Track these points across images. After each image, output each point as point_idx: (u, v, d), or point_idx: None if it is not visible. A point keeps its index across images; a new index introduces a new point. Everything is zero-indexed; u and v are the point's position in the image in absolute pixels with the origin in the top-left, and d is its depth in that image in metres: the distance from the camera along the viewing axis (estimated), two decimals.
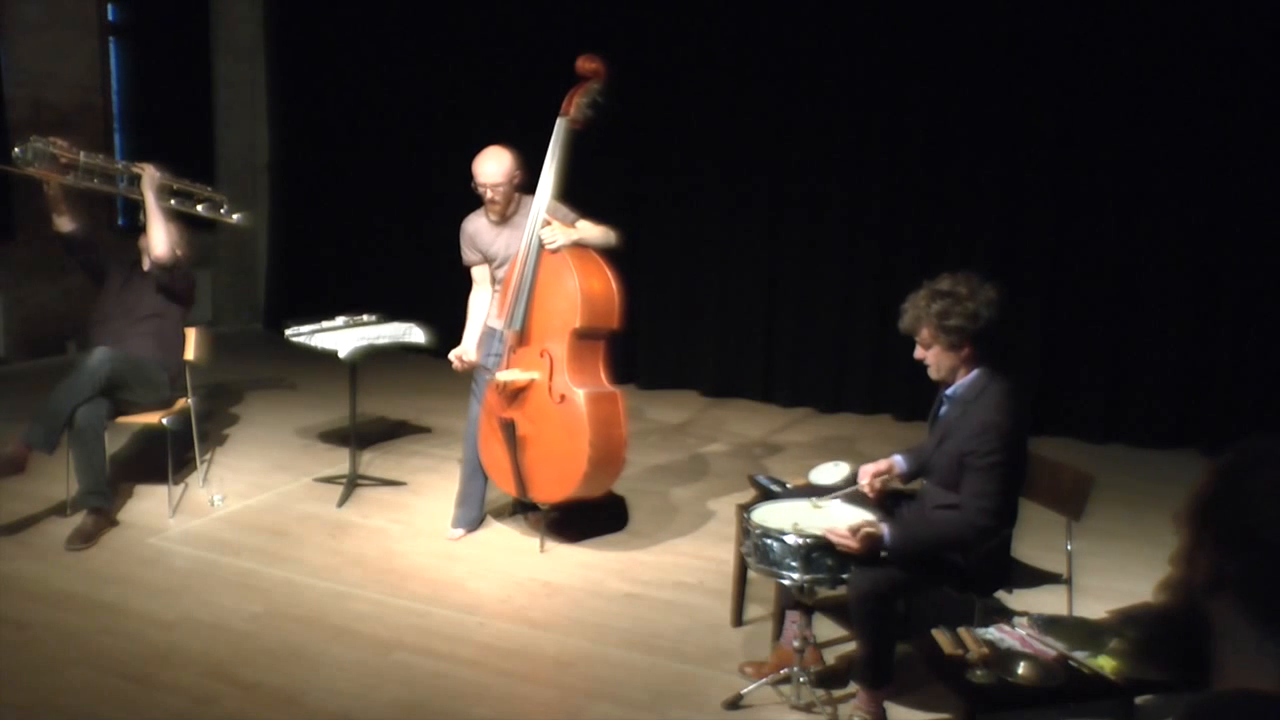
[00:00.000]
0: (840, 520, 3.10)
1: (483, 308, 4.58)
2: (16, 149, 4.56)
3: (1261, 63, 5.70)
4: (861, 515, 3.15)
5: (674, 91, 7.09)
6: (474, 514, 4.64)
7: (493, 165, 4.38)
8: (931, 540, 3.04)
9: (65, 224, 4.72)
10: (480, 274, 4.60)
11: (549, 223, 4.31)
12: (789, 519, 3.12)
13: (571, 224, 4.39)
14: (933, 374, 3.15)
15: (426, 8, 8.00)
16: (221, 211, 5.06)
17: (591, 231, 4.38)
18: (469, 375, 4.65)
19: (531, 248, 4.35)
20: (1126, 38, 5.99)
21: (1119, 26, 6.00)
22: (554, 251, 4.30)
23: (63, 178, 4.64)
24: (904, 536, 2.97)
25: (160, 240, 4.65)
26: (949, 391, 3.15)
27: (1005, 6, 6.21)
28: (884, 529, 2.95)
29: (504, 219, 4.48)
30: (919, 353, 3.14)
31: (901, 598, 3.34)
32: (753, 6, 6.83)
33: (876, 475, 3.32)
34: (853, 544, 2.91)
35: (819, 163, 6.82)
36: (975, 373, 3.09)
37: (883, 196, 6.68)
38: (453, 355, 4.55)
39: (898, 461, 3.38)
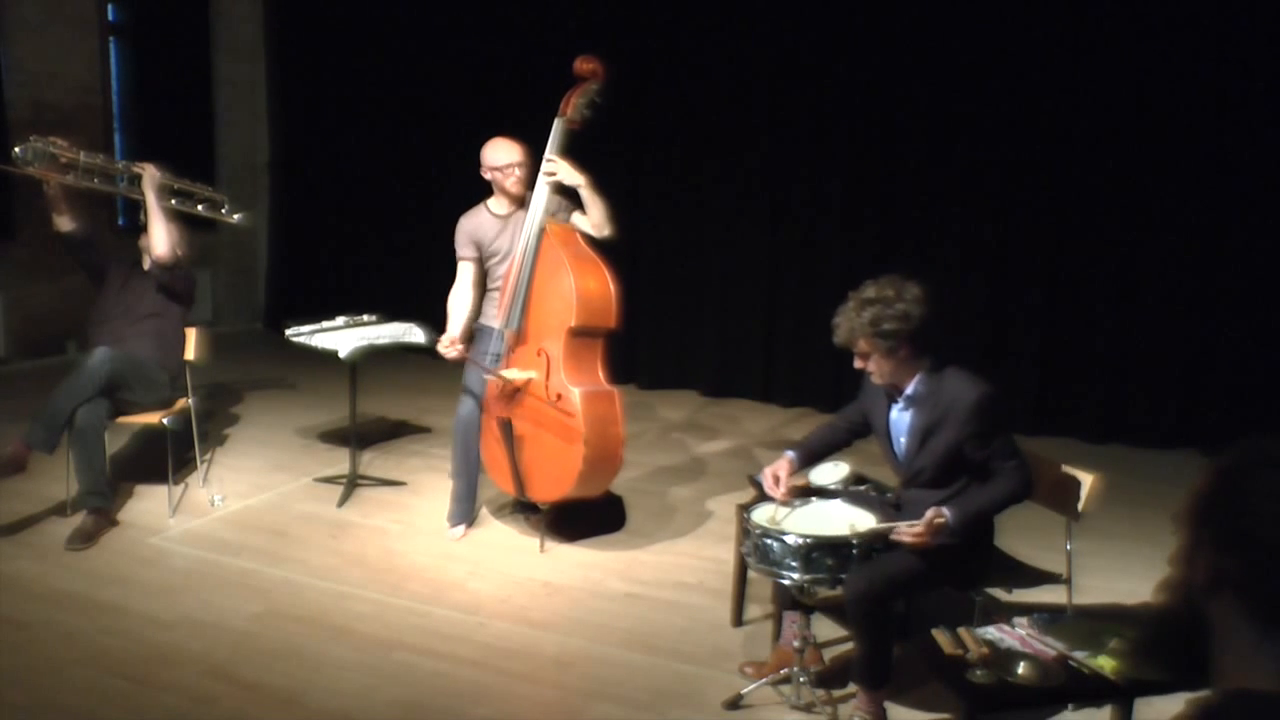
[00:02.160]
0: (843, 518, 3.11)
1: (463, 304, 4.56)
2: (17, 149, 4.56)
3: (1261, 63, 5.70)
4: (860, 513, 3.16)
5: (674, 91, 7.10)
6: (468, 508, 4.64)
7: (505, 149, 4.44)
8: (990, 508, 3.05)
9: (65, 223, 4.72)
10: (465, 271, 4.58)
11: (554, 161, 4.34)
12: (790, 518, 3.14)
13: (568, 218, 4.41)
14: (876, 380, 3.15)
15: (426, 8, 8.00)
16: (222, 211, 5.06)
17: (595, 200, 4.36)
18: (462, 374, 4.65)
19: (529, 247, 4.36)
20: (1127, 37, 5.99)
21: (1119, 26, 6.00)
22: (551, 181, 4.32)
23: (63, 177, 4.64)
24: (964, 513, 2.97)
25: (161, 240, 4.66)
26: (908, 393, 3.13)
27: (1006, 7, 6.21)
28: (947, 513, 2.94)
29: (522, 203, 4.48)
30: (859, 363, 3.13)
31: (899, 598, 3.35)
32: (753, 6, 6.83)
33: (790, 478, 3.35)
34: (925, 537, 2.92)
35: (819, 163, 6.82)
36: (922, 372, 3.10)
37: (882, 196, 6.68)
38: (444, 341, 4.43)
39: (791, 457, 3.40)
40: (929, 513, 2.95)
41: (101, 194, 5.09)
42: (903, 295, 3.02)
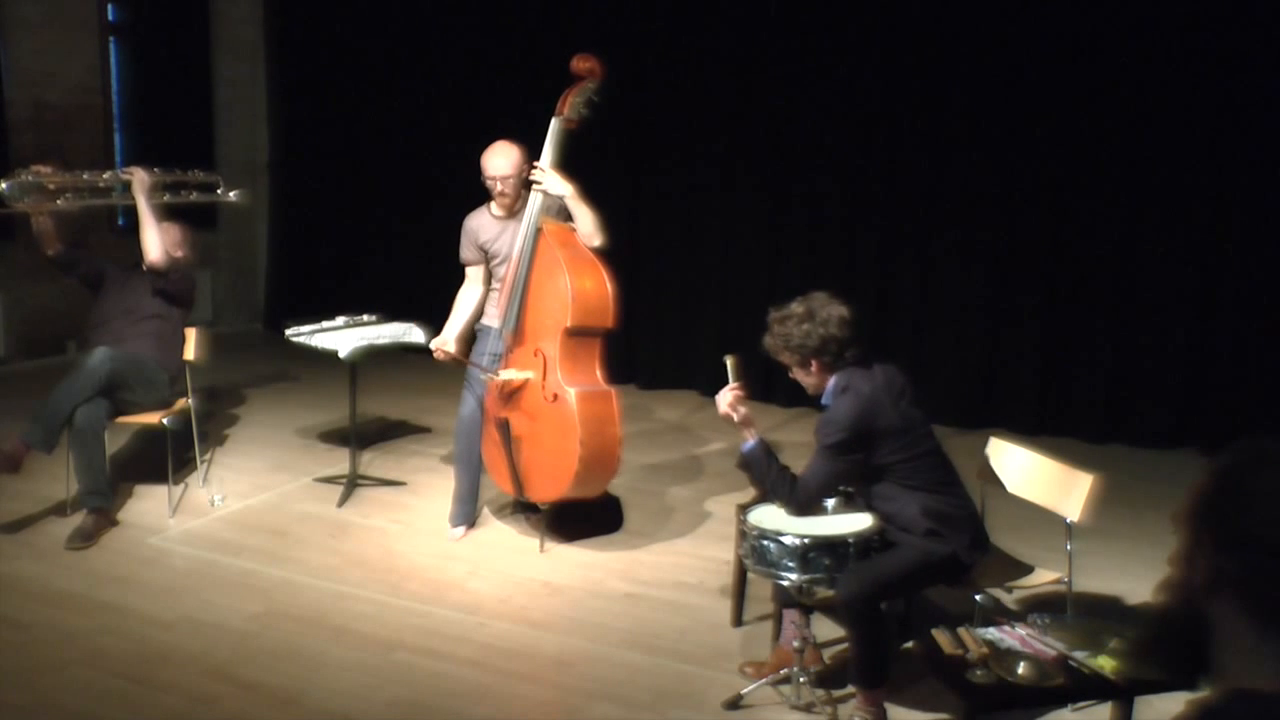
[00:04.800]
0: (837, 524, 3.14)
1: (469, 304, 4.59)
2: (4, 184, 4.46)
3: (1261, 63, 5.70)
4: (858, 517, 3.17)
5: (673, 91, 7.09)
6: (470, 509, 4.65)
7: (502, 158, 4.41)
8: (763, 478, 3.26)
9: (53, 248, 4.70)
10: (474, 273, 4.60)
11: (542, 171, 4.33)
12: (787, 519, 3.15)
13: (567, 220, 4.40)
14: (807, 391, 3.32)
15: (425, 8, 8.00)
16: (218, 192, 5.03)
17: (583, 210, 4.34)
18: (463, 373, 4.64)
19: (525, 247, 4.35)
20: (1127, 36, 5.98)
21: (1119, 25, 6.00)
22: (539, 188, 4.32)
23: (56, 205, 4.60)
24: (754, 457, 3.24)
25: (154, 246, 4.63)
26: (821, 402, 3.29)
27: (1007, 6, 6.21)
28: (750, 439, 3.25)
29: (512, 213, 4.48)
30: (791, 374, 3.31)
31: (893, 599, 3.37)
32: (751, 5, 6.83)
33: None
34: (729, 404, 3.28)
35: (819, 162, 6.81)
36: (833, 379, 3.22)
37: (883, 196, 6.68)
38: (433, 345, 4.53)
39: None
40: (736, 409, 3.26)
41: (100, 209, 5.04)
42: (814, 315, 3.18)
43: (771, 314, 3.27)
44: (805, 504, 3.19)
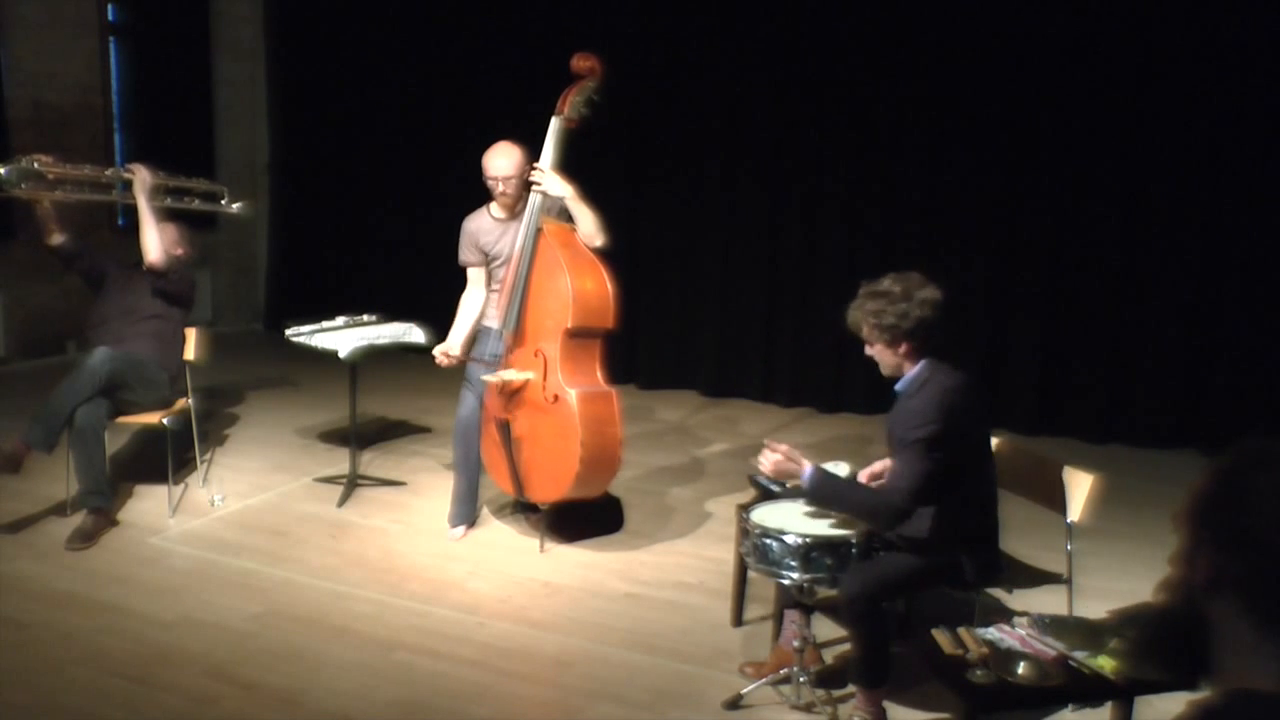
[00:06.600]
0: (839, 524, 3.13)
1: (474, 308, 4.59)
2: (2, 169, 4.44)
3: (1261, 63, 5.70)
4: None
5: (674, 91, 7.09)
6: (469, 509, 4.65)
7: (503, 158, 4.41)
8: (843, 501, 3.09)
9: (56, 238, 4.69)
10: (475, 275, 4.60)
11: (541, 171, 4.32)
12: (789, 518, 3.14)
13: (568, 221, 4.40)
14: (882, 370, 3.19)
15: (425, 8, 8.01)
16: (221, 202, 5.03)
17: (584, 211, 4.33)
18: (462, 373, 4.64)
19: (525, 248, 4.35)
20: (1127, 35, 5.99)
21: (1119, 25, 6.00)
22: (538, 189, 4.31)
23: (53, 195, 4.59)
24: (822, 483, 3.04)
25: (154, 246, 4.62)
26: (897, 387, 3.17)
27: (1006, 6, 6.21)
28: (806, 467, 3.04)
29: (513, 213, 4.48)
30: (867, 350, 3.19)
31: (895, 598, 3.36)
32: (752, 5, 6.83)
33: (873, 477, 3.36)
34: (773, 464, 3.09)
35: (819, 162, 6.82)
36: (919, 366, 3.11)
37: (883, 196, 6.68)
38: (437, 351, 4.53)
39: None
40: (792, 454, 3.07)
41: (99, 204, 5.03)
42: (910, 294, 3.06)
43: (863, 288, 3.14)
44: (900, 513, 2.96)
